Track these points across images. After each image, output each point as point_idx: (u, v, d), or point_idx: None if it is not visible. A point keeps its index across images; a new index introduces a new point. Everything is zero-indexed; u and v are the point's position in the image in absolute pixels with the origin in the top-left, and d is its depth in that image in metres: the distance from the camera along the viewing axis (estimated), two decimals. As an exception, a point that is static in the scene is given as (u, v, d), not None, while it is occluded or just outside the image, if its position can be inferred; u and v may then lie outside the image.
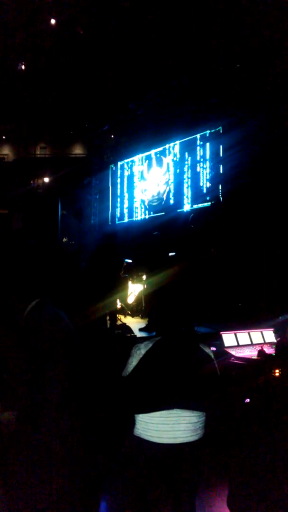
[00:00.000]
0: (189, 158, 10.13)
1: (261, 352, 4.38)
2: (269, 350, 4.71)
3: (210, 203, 9.32)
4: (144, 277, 7.66)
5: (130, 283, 8.13)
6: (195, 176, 9.89)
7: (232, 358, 4.41)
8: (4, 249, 2.01)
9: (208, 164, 9.55)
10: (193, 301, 2.18)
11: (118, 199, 12.99)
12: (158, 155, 11.34)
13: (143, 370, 2.02)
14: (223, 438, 3.63)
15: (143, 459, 2.02)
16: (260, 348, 4.63)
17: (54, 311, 1.89)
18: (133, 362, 2.06)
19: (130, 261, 8.26)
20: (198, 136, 9.87)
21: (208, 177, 9.51)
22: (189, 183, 10.08)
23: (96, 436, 2.15)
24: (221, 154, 9.11)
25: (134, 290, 8.10)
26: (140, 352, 2.05)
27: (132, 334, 5.56)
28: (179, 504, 2.03)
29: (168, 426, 1.97)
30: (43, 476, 1.72)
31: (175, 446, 1.97)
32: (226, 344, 4.58)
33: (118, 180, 13.00)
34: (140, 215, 11.96)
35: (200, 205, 9.67)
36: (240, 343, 4.68)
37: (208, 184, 9.50)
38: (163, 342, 2.08)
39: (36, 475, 1.72)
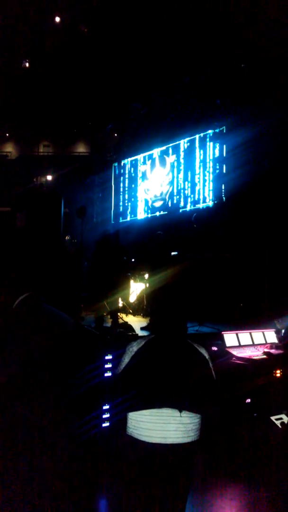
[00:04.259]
0: (193, 157, 10.12)
1: (267, 352, 4.39)
2: (270, 351, 4.71)
3: (213, 203, 9.31)
4: (146, 276, 7.66)
5: (132, 281, 8.13)
6: (198, 176, 9.89)
7: (234, 358, 4.41)
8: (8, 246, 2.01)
9: (211, 163, 9.54)
10: (188, 302, 2.16)
11: (121, 198, 13.00)
12: (161, 155, 11.34)
13: (134, 367, 2.02)
14: (221, 439, 3.64)
15: (133, 458, 2.02)
16: (263, 348, 4.64)
17: (54, 311, 1.88)
18: (126, 359, 2.06)
19: (132, 259, 8.27)
20: (201, 135, 9.86)
21: (211, 176, 9.51)
22: (192, 182, 10.07)
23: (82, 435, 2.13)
24: (224, 154, 9.10)
25: (136, 289, 8.10)
26: (132, 349, 2.06)
27: (134, 333, 5.57)
28: (168, 505, 2.02)
29: (158, 425, 1.95)
30: (36, 477, 1.72)
31: (165, 447, 1.94)
32: (227, 344, 4.58)
33: (121, 179, 13.01)
34: (142, 214, 11.96)
35: (203, 205, 9.66)
36: (242, 343, 4.67)
37: (211, 184, 9.49)
38: (155, 340, 2.08)
39: (29, 475, 1.72)
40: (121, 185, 13.01)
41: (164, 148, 11.18)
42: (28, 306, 1.85)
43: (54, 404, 1.78)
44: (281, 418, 3.87)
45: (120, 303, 7.52)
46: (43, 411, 1.74)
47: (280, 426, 3.86)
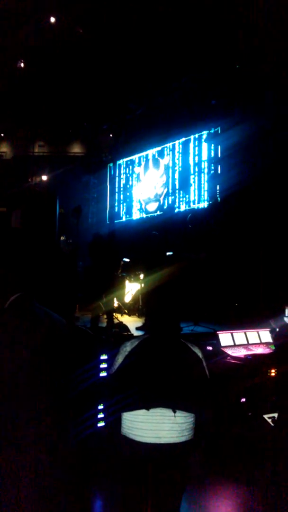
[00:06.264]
0: (188, 158, 10.14)
1: (261, 352, 4.43)
2: (265, 350, 4.73)
3: (208, 203, 9.33)
4: (141, 276, 7.67)
5: (127, 282, 8.14)
6: (193, 177, 9.90)
7: (228, 357, 4.43)
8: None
9: (206, 164, 9.56)
10: (182, 302, 2.16)
11: (116, 198, 13.00)
12: (156, 156, 11.34)
13: (128, 367, 2.02)
14: (215, 439, 3.65)
15: (128, 457, 2.01)
16: (258, 347, 4.67)
17: (45, 311, 1.88)
18: (119, 359, 2.06)
19: (127, 260, 8.28)
20: (196, 136, 9.88)
21: (206, 177, 9.52)
22: (187, 183, 10.09)
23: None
24: (219, 155, 9.12)
25: (131, 289, 8.11)
26: (126, 349, 2.06)
27: (129, 333, 5.57)
28: (162, 504, 2.02)
29: (152, 425, 1.94)
30: (31, 476, 1.72)
31: (159, 446, 1.94)
32: (222, 344, 4.60)
33: (116, 179, 13.00)
34: (138, 214, 11.97)
35: (198, 206, 9.68)
36: (237, 343, 4.69)
37: (206, 185, 9.51)
38: (148, 339, 2.08)
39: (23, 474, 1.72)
40: (116, 185, 13.01)
41: (159, 148, 11.19)
42: (19, 307, 1.84)
43: (46, 404, 1.78)
44: (273, 417, 3.89)
45: (116, 303, 7.52)
46: (36, 412, 1.74)
47: (272, 424, 3.88)
